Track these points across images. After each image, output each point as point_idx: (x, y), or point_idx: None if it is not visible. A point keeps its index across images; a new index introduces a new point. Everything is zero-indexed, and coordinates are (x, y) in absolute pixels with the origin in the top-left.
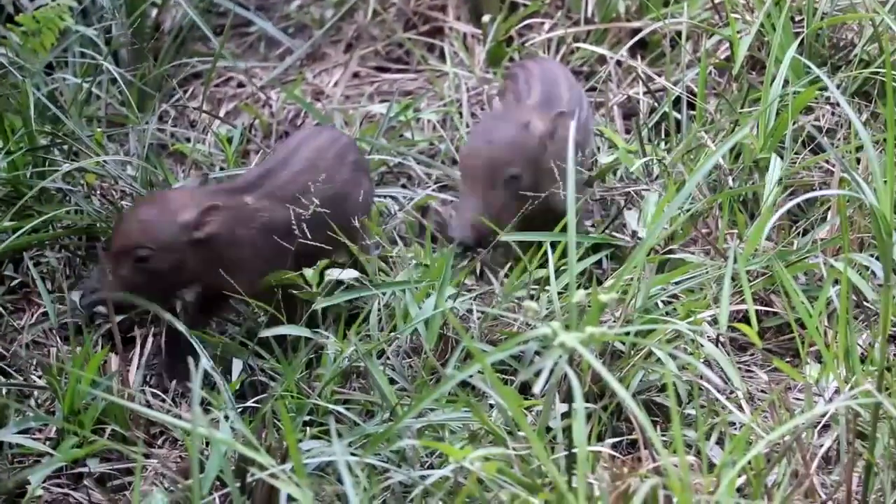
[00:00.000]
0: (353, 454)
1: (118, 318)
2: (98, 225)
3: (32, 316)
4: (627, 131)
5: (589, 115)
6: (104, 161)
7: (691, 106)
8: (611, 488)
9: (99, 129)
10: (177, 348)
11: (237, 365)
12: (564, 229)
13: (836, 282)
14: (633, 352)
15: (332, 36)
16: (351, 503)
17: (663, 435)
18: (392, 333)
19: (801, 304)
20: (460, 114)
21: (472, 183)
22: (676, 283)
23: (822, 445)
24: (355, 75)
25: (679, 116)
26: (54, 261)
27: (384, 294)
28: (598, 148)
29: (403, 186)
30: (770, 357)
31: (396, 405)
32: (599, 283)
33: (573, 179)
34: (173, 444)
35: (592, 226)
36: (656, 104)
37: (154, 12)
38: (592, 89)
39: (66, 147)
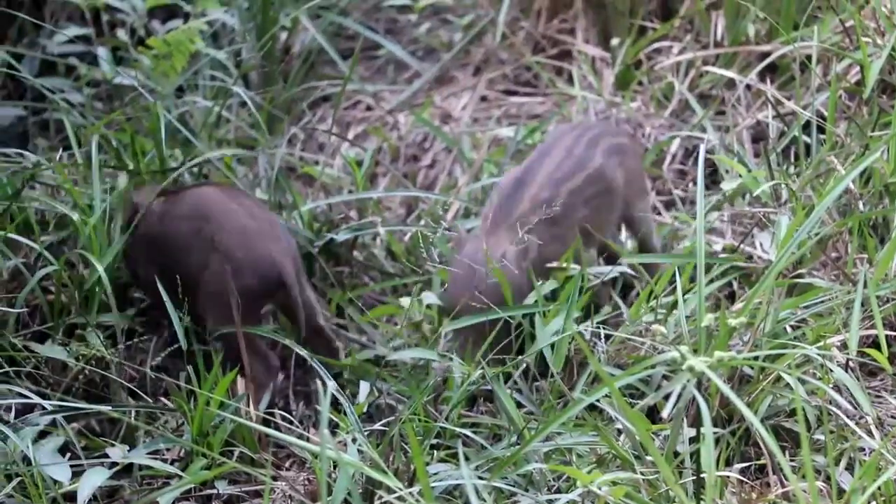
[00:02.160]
0: (480, 477)
1: None
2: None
3: (161, 338)
4: (756, 155)
5: (614, 164)
6: (235, 183)
7: (821, 130)
8: None
9: (229, 153)
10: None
11: (364, 387)
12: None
13: None
14: (761, 376)
15: (461, 59)
16: None
17: (792, 460)
18: (519, 357)
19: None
20: None
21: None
22: (805, 308)
23: None
24: (483, 99)
25: (808, 140)
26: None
27: (512, 317)
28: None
29: None
30: None
31: (524, 429)
32: (728, 307)
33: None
34: (301, 467)
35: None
36: (785, 128)
37: (284, 36)
38: (721, 113)
39: (195, 169)
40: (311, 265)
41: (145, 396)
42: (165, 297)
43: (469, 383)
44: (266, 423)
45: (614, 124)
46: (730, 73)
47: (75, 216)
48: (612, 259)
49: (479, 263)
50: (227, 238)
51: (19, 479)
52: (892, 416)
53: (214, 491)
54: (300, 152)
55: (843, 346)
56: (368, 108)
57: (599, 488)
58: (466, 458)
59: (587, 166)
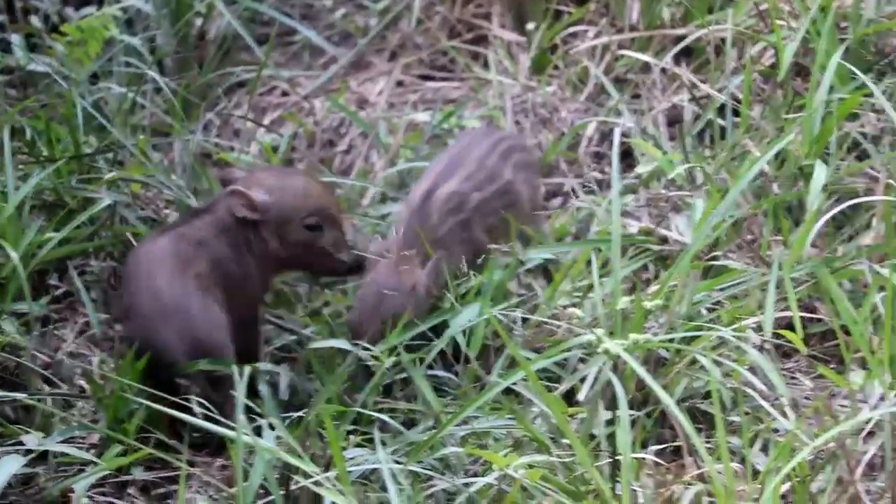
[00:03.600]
0: (396, 462)
1: None
2: (142, 234)
3: (76, 325)
4: (672, 138)
5: (521, 179)
6: (149, 170)
7: (736, 113)
8: (655, 495)
9: (143, 138)
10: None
11: (283, 376)
12: None
13: (882, 288)
14: (677, 359)
15: (377, 44)
16: None
17: (707, 442)
18: (433, 342)
19: (845, 310)
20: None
21: None
22: (721, 290)
23: (866, 452)
24: (399, 84)
25: (723, 123)
26: (99, 270)
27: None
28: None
29: None
30: (814, 364)
31: (440, 413)
32: (644, 290)
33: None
34: (218, 453)
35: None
36: (701, 111)
37: (199, 21)
38: (637, 97)
39: (110, 156)
40: None
41: (60, 383)
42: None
43: (385, 369)
44: (183, 409)
45: (520, 137)
46: (645, 57)
47: None
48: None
49: (389, 289)
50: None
51: None
52: (807, 398)
53: (130, 477)
54: (216, 138)
55: (758, 328)
56: (284, 94)
57: (516, 471)
58: (383, 443)
59: (497, 180)
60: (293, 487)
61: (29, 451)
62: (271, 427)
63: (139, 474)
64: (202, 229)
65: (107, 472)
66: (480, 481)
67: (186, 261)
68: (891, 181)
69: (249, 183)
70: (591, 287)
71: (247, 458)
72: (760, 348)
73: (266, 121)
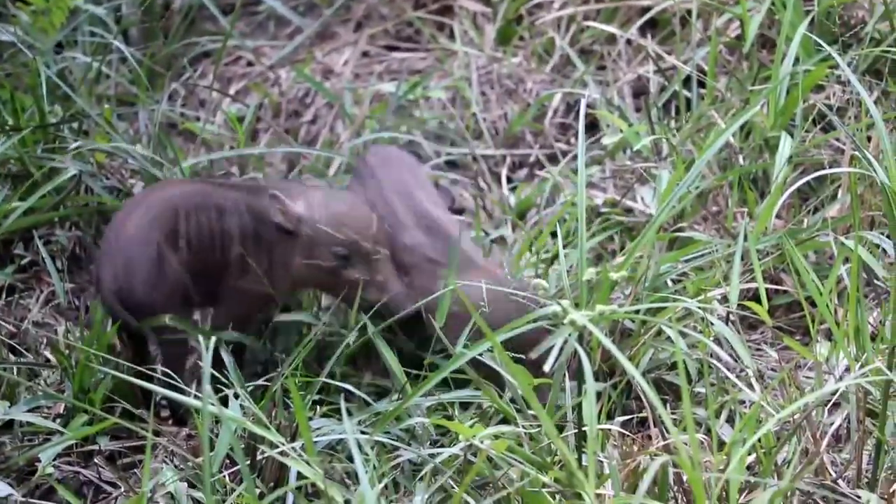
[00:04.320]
0: (363, 432)
1: None
2: (108, 204)
3: (42, 294)
4: (638, 110)
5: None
6: (114, 140)
7: (701, 85)
8: (621, 466)
9: (108, 108)
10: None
11: (250, 346)
12: None
13: (847, 260)
14: (642, 330)
15: (342, 15)
16: (361, 480)
17: (673, 413)
18: (398, 315)
19: (811, 282)
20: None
21: None
22: (686, 262)
23: (832, 424)
24: (365, 54)
25: (689, 95)
26: (64, 240)
27: None
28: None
29: None
30: (780, 335)
31: (406, 384)
32: (609, 261)
33: None
34: (183, 423)
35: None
36: (666, 83)
37: None
38: (602, 68)
39: (75, 125)
40: None
41: (26, 353)
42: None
43: (351, 339)
44: (149, 379)
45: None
46: (611, 28)
47: None
48: None
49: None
50: None
51: None
52: (772, 369)
53: (96, 447)
54: (181, 108)
55: (724, 300)
56: (249, 64)
57: (481, 442)
58: (349, 414)
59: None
60: (259, 457)
61: None
62: (236, 397)
63: (105, 444)
64: (232, 201)
65: (73, 442)
66: (446, 452)
67: (174, 215)
68: (856, 153)
69: (294, 194)
70: (556, 258)
71: (213, 427)
72: (726, 320)
73: (231, 91)
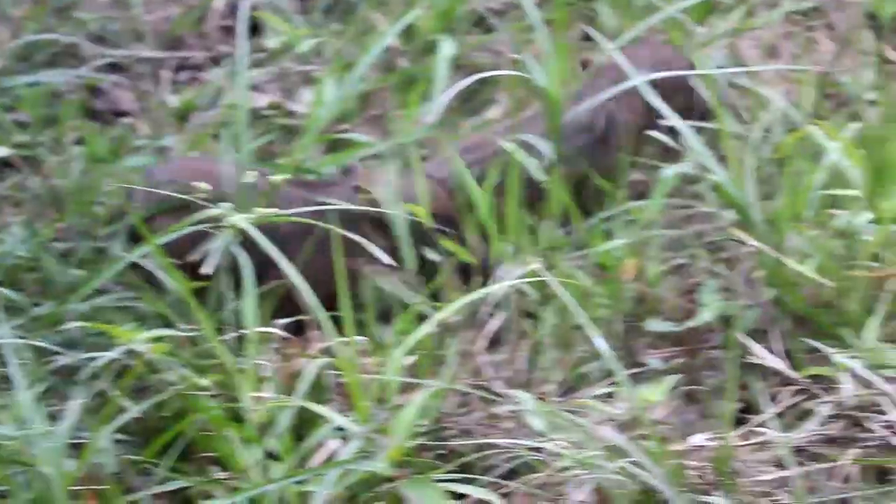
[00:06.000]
0: (20, 337)
1: None
2: None
3: None
4: (304, 13)
5: None
6: None
7: None
8: (280, 368)
9: None
10: None
11: None
12: None
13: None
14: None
15: None
16: (15, 385)
17: (334, 316)
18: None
19: (472, 184)
20: None
21: None
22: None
23: (489, 325)
24: None
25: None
26: None
27: None
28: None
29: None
30: (437, 237)
31: (66, 292)
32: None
33: None
34: None
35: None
36: None
37: None
38: None
39: None
40: None
41: None
42: None
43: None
44: None
45: None
46: None
47: None
48: None
49: None
50: None
51: None
52: None
53: None
54: None
55: None
56: None
57: (141, 346)
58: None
59: None
60: None
61: None
62: None
63: None
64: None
65: None
66: (105, 356)
67: None
68: (515, 56)
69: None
70: None
71: None
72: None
73: None
